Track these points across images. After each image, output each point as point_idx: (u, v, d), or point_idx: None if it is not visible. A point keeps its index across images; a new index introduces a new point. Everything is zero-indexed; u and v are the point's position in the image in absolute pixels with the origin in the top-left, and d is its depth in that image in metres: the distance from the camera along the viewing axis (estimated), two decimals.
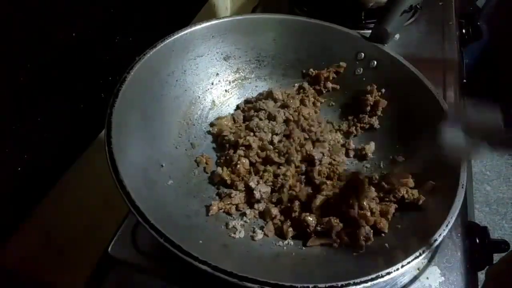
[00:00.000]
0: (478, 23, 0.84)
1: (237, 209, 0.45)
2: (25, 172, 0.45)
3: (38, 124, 0.46)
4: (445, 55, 0.69)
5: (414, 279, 0.41)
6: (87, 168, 0.54)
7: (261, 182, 0.46)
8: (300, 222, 0.43)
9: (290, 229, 0.43)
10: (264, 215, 0.45)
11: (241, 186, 0.46)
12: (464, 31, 0.80)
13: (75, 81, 0.51)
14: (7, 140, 0.42)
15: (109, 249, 0.43)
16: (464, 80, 0.73)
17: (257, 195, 0.45)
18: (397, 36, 0.71)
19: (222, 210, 0.44)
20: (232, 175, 0.47)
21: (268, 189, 0.46)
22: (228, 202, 0.44)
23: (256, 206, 0.45)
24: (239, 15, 0.53)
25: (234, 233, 0.42)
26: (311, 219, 0.43)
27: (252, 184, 0.45)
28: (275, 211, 0.44)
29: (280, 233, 0.43)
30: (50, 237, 0.51)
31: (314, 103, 0.56)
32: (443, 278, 0.42)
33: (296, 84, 0.58)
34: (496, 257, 0.46)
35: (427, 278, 0.41)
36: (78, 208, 0.54)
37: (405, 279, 0.41)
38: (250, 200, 0.45)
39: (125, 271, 0.44)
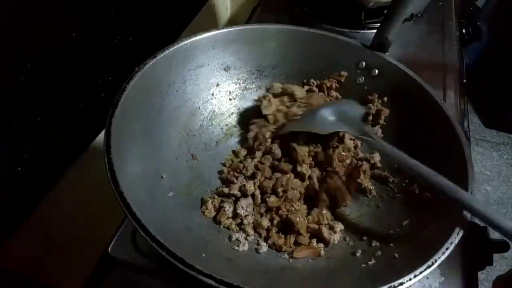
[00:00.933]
0: (478, 23, 0.84)
1: (236, 223, 0.44)
2: (25, 172, 0.45)
3: (38, 124, 0.46)
4: (445, 55, 0.69)
5: None
6: (87, 168, 0.54)
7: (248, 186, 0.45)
8: (289, 225, 0.43)
9: (282, 239, 0.42)
10: (256, 228, 0.44)
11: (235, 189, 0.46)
12: (464, 31, 0.80)
13: (75, 81, 0.51)
14: (7, 140, 0.42)
15: (109, 249, 0.43)
16: (464, 80, 0.73)
17: (241, 211, 0.44)
18: (396, 36, 0.71)
19: (223, 225, 0.44)
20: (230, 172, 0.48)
21: (250, 201, 0.45)
22: (225, 217, 0.44)
23: (245, 221, 0.44)
24: (239, 25, 0.53)
25: (238, 246, 0.41)
26: (295, 215, 0.43)
27: (236, 190, 0.45)
28: (265, 222, 0.43)
29: (278, 248, 0.42)
30: (50, 237, 0.51)
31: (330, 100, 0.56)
32: (443, 278, 0.42)
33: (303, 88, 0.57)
34: (496, 257, 0.46)
35: (427, 278, 0.41)
36: (78, 208, 0.54)
37: None
38: (237, 216, 0.44)
39: (125, 271, 0.44)
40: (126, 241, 0.43)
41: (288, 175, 0.47)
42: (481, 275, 0.48)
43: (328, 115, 0.49)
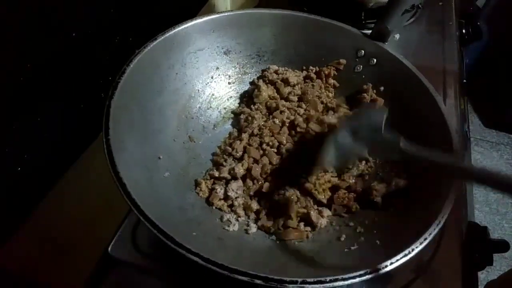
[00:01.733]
0: (478, 23, 0.84)
1: (227, 205, 0.45)
2: (25, 172, 0.45)
3: (38, 124, 0.46)
4: (445, 55, 0.69)
5: (414, 278, 0.42)
6: (87, 168, 0.54)
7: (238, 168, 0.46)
8: (279, 208, 0.44)
9: (271, 222, 0.43)
10: (246, 210, 0.45)
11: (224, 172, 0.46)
12: (464, 31, 0.80)
13: (75, 81, 0.51)
14: (7, 140, 0.42)
15: (109, 249, 0.43)
16: (464, 80, 0.73)
17: (231, 194, 0.45)
18: (397, 36, 0.71)
19: (215, 206, 0.45)
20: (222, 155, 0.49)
21: (241, 183, 0.46)
22: (217, 199, 0.45)
23: (235, 203, 0.45)
24: (240, 10, 0.53)
25: (229, 226, 0.42)
26: (288, 200, 0.43)
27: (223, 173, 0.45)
28: (254, 204, 0.45)
29: (266, 229, 0.43)
30: (50, 237, 0.51)
31: (326, 87, 0.57)
32: (443, 278, 0.42)
33: (301, 73, 0.58)
34: (496, 257, 0.46)
35: (427, 278, 0.41)
36: (78, 208, 0.54)
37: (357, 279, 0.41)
38: (228, 198, 0.45)
39: (125, 271, 0.44)
40: (126, 241, 0.43)
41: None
42: (481, 275, 0.48)
43: (345, 138, 0.42)
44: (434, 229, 0.35)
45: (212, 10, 0.88)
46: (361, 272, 0.32)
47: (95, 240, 0.46)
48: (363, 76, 0.55)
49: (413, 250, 0.34)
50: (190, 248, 0.31)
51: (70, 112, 0.51)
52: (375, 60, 0.54)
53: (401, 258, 0.33)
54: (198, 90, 0.52)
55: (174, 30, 0.47)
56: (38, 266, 0.50)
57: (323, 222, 0.44)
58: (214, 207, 0.44)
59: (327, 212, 0.45)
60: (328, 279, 0.31)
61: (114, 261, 0.43)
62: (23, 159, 0.44)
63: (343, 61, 0.56)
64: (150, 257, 0.42)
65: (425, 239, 0.34)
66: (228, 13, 0.52)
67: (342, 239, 0.41)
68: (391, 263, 0.33)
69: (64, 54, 0.48)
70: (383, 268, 0.33)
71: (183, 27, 0.48)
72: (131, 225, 0.45)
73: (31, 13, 0.42)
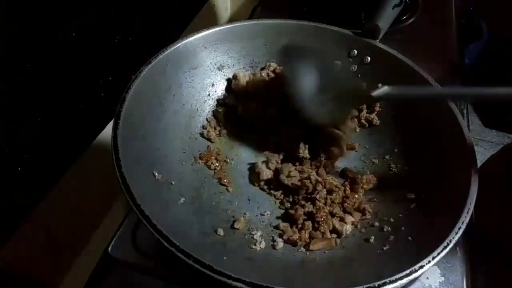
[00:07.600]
0: (478, 23, 0.84)
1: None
2: (25, 172, 0.45)
3: (38, 124, 0.46)
4: (445, 55, 0.69)
5: (414, 279, 0.41)
6: (87, 168, 0.54)
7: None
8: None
9: (297, 234, 0.42)
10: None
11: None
12: (464, 31, 0.80)
13: (75, 81, 0.51)
14: (7, 140, 0.42)
15: (109, 249, 0.43)
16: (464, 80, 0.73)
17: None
18: (397, 36, 0.71)
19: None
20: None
21: None
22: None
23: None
24: (228, 23, 0.53)
25: (255, 245, 0.41)
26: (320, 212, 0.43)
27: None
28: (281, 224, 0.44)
29: (293, 242, 0.42)
30: (50, 237, 0.51)
31: None
32: (443, 278, 0.42)
33: None
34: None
35: (427, 278, 0.41)
36: (78, 208, 0.54)
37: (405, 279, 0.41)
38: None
39: (125, 271, 0.44)
40: (126, 241, 0.43)
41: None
42: (481, 275, 0.48)
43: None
44: (466, 217, 0.34)
45: (212, 9, 0.88)
46: (407, 271, 0.32)
47: (95, 240, 0.46)
48: (359, 75, 0.55)
49: (450, 241, 0.33)
50: (231, 274, 0.30)
51: (70, 112, 0.51)
52: (369, 58, 0.54)
53: (441, 251, 0.32)
54: (197, 109, 0.52)
55: (167, 52, 0.47)
56: (38, 266, 0.50)
57: (347, 227, 0.43)
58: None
59: (350, 218, 0.44)
60: (377, 284, 0.31)
61: (114, 261, 0.43)
62: (23, 159, 0.44)
63: (337, 62, 0.56)
64: (150, 257, 0.42)
65: (460, 228, 0.34)
66: (218, 28, 0.52)
67: (372, 240, 0.41)
68: (433, 258, 0.32)
69: (64, 54, 0.48)
70: (426, 263, 0.32)
71: (174, 47, 0.48)
72: (131, 225, 0.45)
73: (31, 13, 0.42)
